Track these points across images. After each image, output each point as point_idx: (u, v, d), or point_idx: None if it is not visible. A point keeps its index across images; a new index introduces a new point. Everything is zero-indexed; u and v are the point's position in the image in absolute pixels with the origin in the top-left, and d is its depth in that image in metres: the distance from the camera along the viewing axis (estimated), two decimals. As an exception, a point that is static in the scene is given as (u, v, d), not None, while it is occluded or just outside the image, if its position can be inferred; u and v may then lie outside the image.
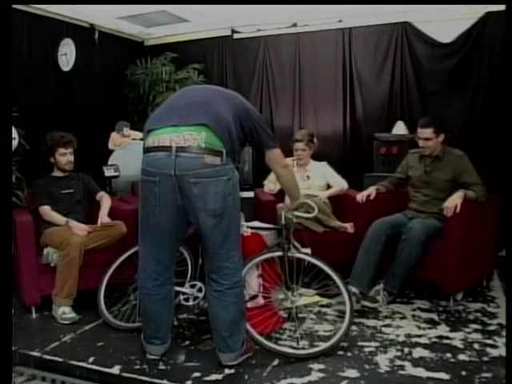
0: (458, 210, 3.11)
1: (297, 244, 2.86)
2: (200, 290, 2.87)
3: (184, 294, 2.89)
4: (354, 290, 3.17)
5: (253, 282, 2.81)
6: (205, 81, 5.06)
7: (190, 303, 2.86)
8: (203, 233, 2.37)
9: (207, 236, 2.37)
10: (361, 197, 3.62)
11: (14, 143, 3.51)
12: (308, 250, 2.81)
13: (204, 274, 2.94)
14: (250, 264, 2.72)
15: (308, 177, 3.97)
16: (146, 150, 2.38)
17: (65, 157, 3.42)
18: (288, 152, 4.10)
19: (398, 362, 2.52)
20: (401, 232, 3.29)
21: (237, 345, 2.47)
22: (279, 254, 2.76)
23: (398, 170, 3.74)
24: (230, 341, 2.45)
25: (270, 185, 4.08)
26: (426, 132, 3.36)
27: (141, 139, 4.52)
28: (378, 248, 3.29)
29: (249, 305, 2.72)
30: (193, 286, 2.89)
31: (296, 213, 2.84)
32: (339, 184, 3.99)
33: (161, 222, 2.37)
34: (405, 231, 3.25)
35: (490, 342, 2.72)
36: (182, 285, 2.89)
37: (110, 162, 4.32)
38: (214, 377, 2.41)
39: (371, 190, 3.64)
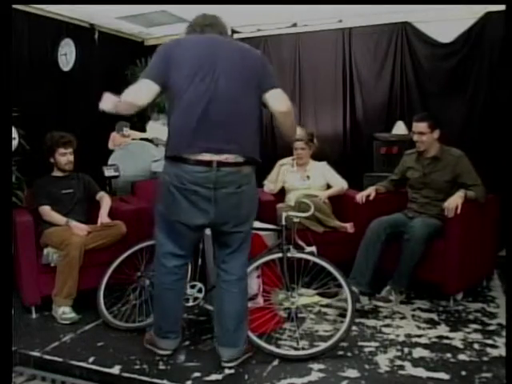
0: (458, 211, 3.10)
1: (301, 242, 2.85)
2: (200, 290, 2.86)
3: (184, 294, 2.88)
4: (353, 289, 3.16)
5: (252, 282, 2.81)
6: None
7: (190, 304, 2.86)
8: (226, 232, 2.40)
9: (230, 234, 2.41)
10: (360, 197, 3.61)
11: (14, 143, 3.50)
12: (313, 248, 2.80)
13: (203, 274, 2.94)
14: (251, 267, 2.71)
15: (308, 177, 3.98)
16: (179, 159, 2.26)
17: (65, 157, 3.42)
18: (288, 152, 4.12)
19: (398, 362, 2.52)
20: (401, 231, 3.29)
21: (240, 341, 2.49)
22: (279, 255, 2.76)
23: (394, 172, 3.73)
24: (234, 335, 2.46)
25: (270, 185, 4.09)
26: (420, 126, 3.35)
27: (141, 139, 4.54)
28: (377, 247, 3.29)
29: (249, 305, 2.72)
30: (193, 287, 2.88)
31: (292, 213, 2.83)
32: (339, 184, 3.98)
33: (189, 223, 2.35)
34: (407, 230, 3.24)
35: (489, 342, 2.73)
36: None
37: (109, 162, 4.31)
38: (214, 377, 2.41)
39: (370, 191, 3.64)
